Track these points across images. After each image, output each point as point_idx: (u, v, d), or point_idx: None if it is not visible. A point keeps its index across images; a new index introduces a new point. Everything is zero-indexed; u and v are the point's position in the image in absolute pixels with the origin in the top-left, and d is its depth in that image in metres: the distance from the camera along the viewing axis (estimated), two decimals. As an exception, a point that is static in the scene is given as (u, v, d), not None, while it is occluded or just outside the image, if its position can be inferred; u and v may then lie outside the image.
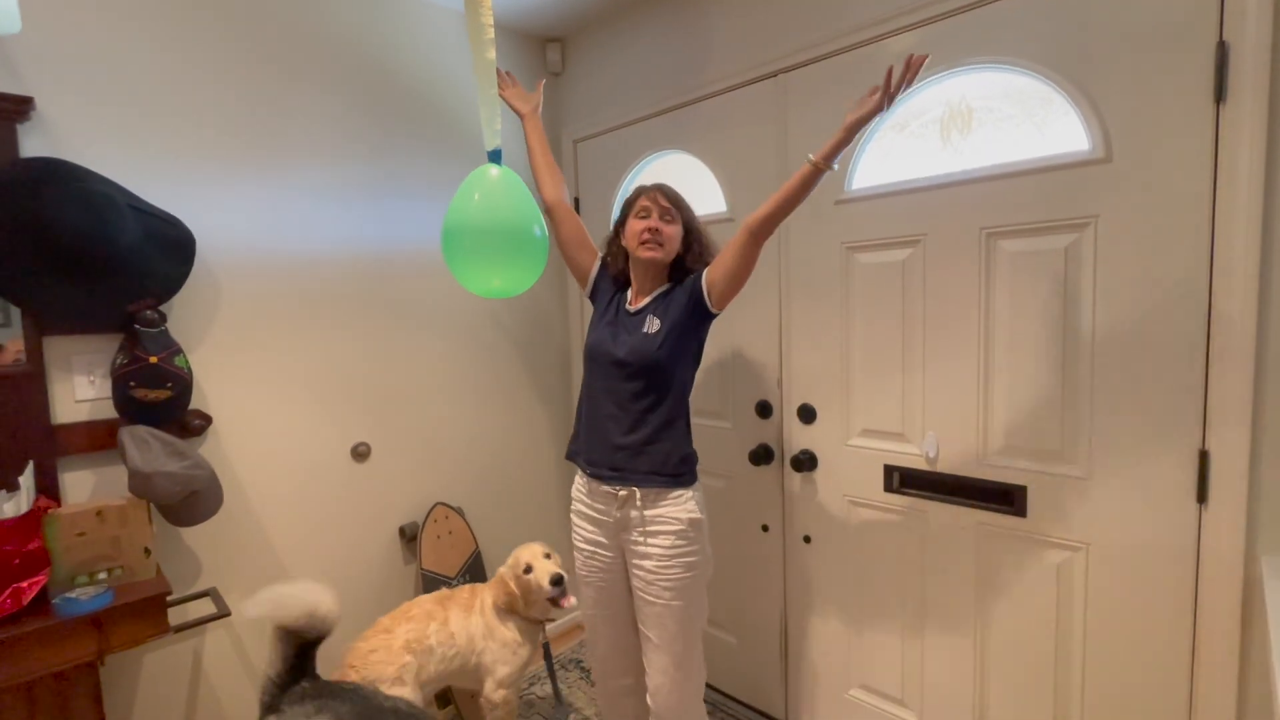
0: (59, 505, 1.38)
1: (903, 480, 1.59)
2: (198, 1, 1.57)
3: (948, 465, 1.50)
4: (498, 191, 1.09)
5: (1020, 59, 1.34)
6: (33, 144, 1.36)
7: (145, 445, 1.39)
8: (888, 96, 1.20)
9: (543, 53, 2.38)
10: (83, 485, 1.46)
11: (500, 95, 1.51)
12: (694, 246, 1.52)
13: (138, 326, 1.42)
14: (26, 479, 1.29)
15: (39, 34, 1.36)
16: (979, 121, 1.43)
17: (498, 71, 1.44)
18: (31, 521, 1.24)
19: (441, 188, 2.05)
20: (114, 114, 1.46)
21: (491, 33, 1.16)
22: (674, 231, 1.48)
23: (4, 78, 1.33)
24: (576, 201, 2.37)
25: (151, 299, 1.45)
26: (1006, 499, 1.42)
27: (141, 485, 1.35)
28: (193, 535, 1.61)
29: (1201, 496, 1.19)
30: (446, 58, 2.06)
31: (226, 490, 1.62)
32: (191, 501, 1.45)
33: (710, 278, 1.43)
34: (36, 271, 1.30)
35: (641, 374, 1.45)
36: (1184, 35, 1.15)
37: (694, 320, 1.46)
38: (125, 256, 1.37)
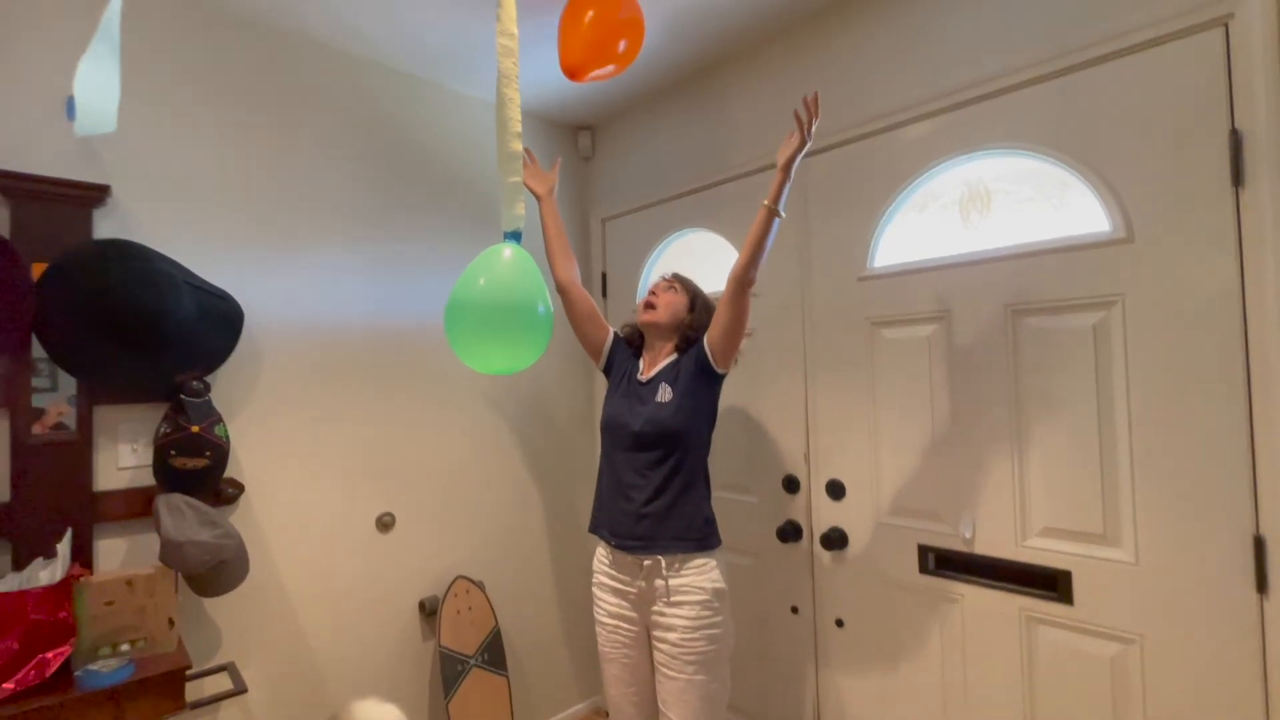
0: (91, 573, 1.39)
1: (939, 561, 1.54)
2: (253, 106, 1.72)
3: (986, 546, 1.45)
4: (504, 269, 1.12)
5: (1036, 145, 1.39)
6: (106, 226, 1.47)
7: (179, 513, 1.41)
8: (806, 133, 1.35)
9: (574, 139, 2.53)
10: (115, 553, 1.47)
11: None
12: (699, 316, 1.58)
13: (183, 396, 1.47)
14: (64, 546, 1.31)
15: (120, 128, 1.49)
16: (998, 203, 1.47)
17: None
18: (63, 590, 1.25)
19: (465, 264, 2.14)
20: (177, 200, 1.58)
21: (518, 127, 1.24)
22: (672, 298, 1.56)
23: (85, 167, 1.45)
24: (604, 277, 2.45)
25: (199, 370, 1.52)
26: (1050, 584, 1.36)
27: (173, 554, 1.36)
28: (215, 605, 1.60)
29: (1261, 585, 1.13)
30: (476, 142, 2.20)
31: (253, 559, 1.62)
32: (218, 571, 1.45)
33: (710, 338, 1.49)
34: (97, 344, 1.37)
35: (659, 442, 1.48)
36: (1197, 124, 1.19)
37: (703, 383, 1.51)
38: (181, 330, 1.44)
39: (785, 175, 1.36)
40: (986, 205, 1.49)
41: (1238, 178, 1.15)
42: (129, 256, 1.40)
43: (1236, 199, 1.15)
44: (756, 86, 1.93)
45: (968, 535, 1.47)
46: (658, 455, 1.47)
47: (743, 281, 1.40)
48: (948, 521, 1.52)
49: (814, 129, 1.36)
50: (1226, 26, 1.17)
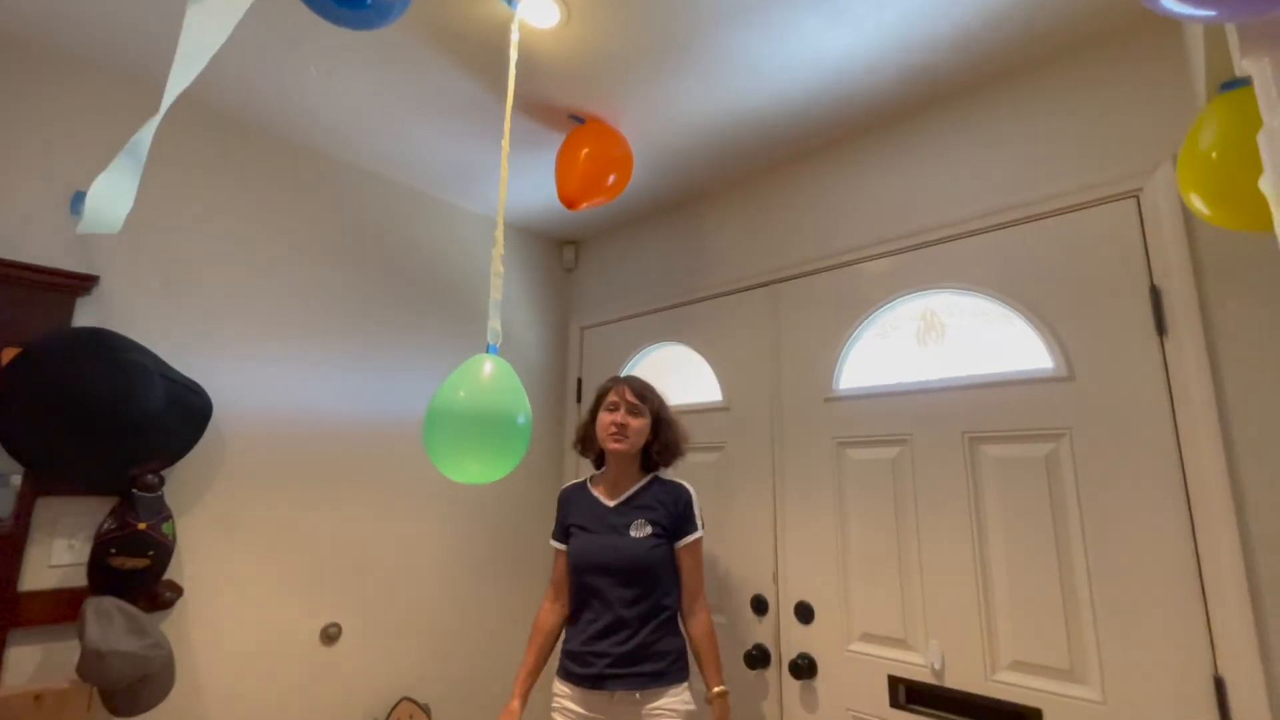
0: (-5, 685, 1.26)
1: (909, 695, 1.49)
2: (249, 206, 1.80)
3: (955, 679, 1.42)
4: (484, 380, 1.15)
5: (983, 287, 1.52)
6: (85, 315, 1.48)
7: (107, 619, 1.31)
8: None
9: (559, 252, 2.66)
10: (28, 661, 1.35)
11: None
12: (661, 435, 1.63)
13: (135, 491, 1.42)
14: (-28, 654, 1.20)
15: (120, 224, 1.55)
16: (951, 333, 1.58)
17: None
18: (-38, 705, 1.13)
19: (443, 369, 2.17)
20: (163, 292, 1.60)
21: (499, 250, 1.31)
22: (640, 425, 1.59)
23: (71, 256, 1.48)
24: (579, 383, 2.50)
25: (158, 463, 1.47)
26: (1022, 723, 1.32)
27: (92, 666, 1.25)
28: (129, 728, 1.45)
29: (1227, 730, 1.12)
30: (468, 252, 2.31)
31: (181, 673, 1.50)
32: (140, 686, 1.33)
33: (679, 549, 1.56)
34: (58, 432, 1.33)
35: (635, 580, 1.49)
36: (1121, 279, 1.33)
37: (672, 533, 1.56)
38: (148, 421, 1.41)
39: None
40: (941, 334, 1.60)
41: (1160, 328, 1.27)
42: (103, 345, 1.39)
43: (1162, 346, 1.27)
44: (731, 218, 2.10)
45: (936, 666, 1.44)
46: (635, 593, 1.48)
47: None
48: (917, 650, 1.49)
49: None
50: (1138, 199, 1.34)
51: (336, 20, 1.06)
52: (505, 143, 1.23)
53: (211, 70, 1.58)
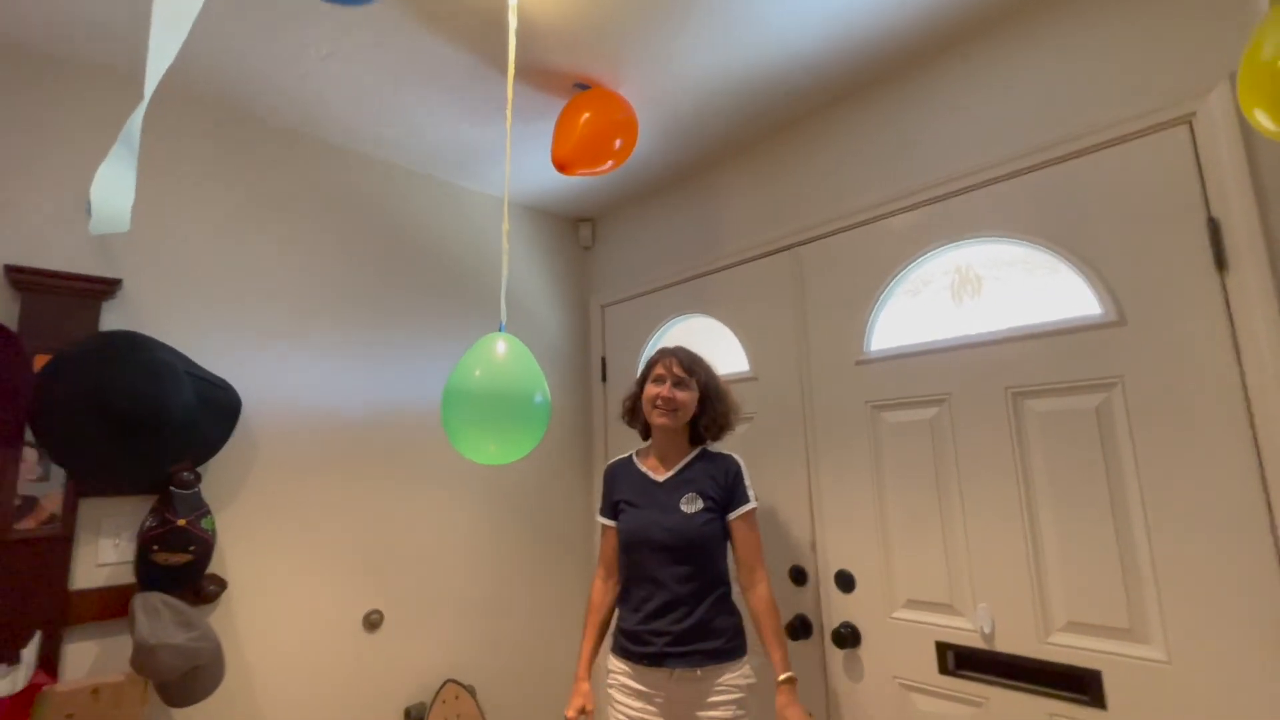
0: (55, 680, 1.31)
1: (959, 660, 1.44)
2: (263, 200, 1.80)
3: (1007, 643, 1.37)
4: (500, 359, 1.13)
5: (1022, 234, 1.43)
6: (113, 318, 1.49)
7: (155, 614, 1.35)
8: None
9: (575, 230, 2.62)
10: (84, 657, 1.39)
11: None
12: (709, 409, 1.57)
13: (173, 488, 1.44)
14: (29, 653, 1.24)
15: (135, 222, 1.55)
16: (988, 287, 1.50)
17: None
18: (24, 701, 1.17)
19: (464, 351, 2.16)
20: (185, 291, 1.61)
21: (506, 226, 1.26)
22: (687, 398, 1.54)
23: (98, 261, 1.49)
24: (604, 361, 2.47)
25: (192, 460, 1.49)
26: (1080, 686, 1.27)
27: (145, 659, 1.28)
28: (186, 715, 1.49)
29: (1307, 688, 1.05)
30: (482, 234, 2.28)
31: (230, 663, 1.53)
32: (192, 677, 1.37)
33: (732, 521, 1.51)
34: (93, 435, 1.36)
35: (688, 557, 1.46)
36: (1175, 213, 1.23)
37: (723, 506, 1.52)
38: (179, 420, 1.43)
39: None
40: (978, 289, 1.52)
41: (1221, 262, 1.17)
42: (132, 348, 1.41)
43: (1223, 282, 1.17)
44: (747, 182, 2.03)
45: (986, 630, 1.39)
46: (687, 570, 1.46)
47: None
48: (965, 615, 1.44)
49: None
50: (1191, 124, 1.23)
51: (326, -3, 1.03)
52: (509, 111, 1.19)
53: (216, 65, 1.57)
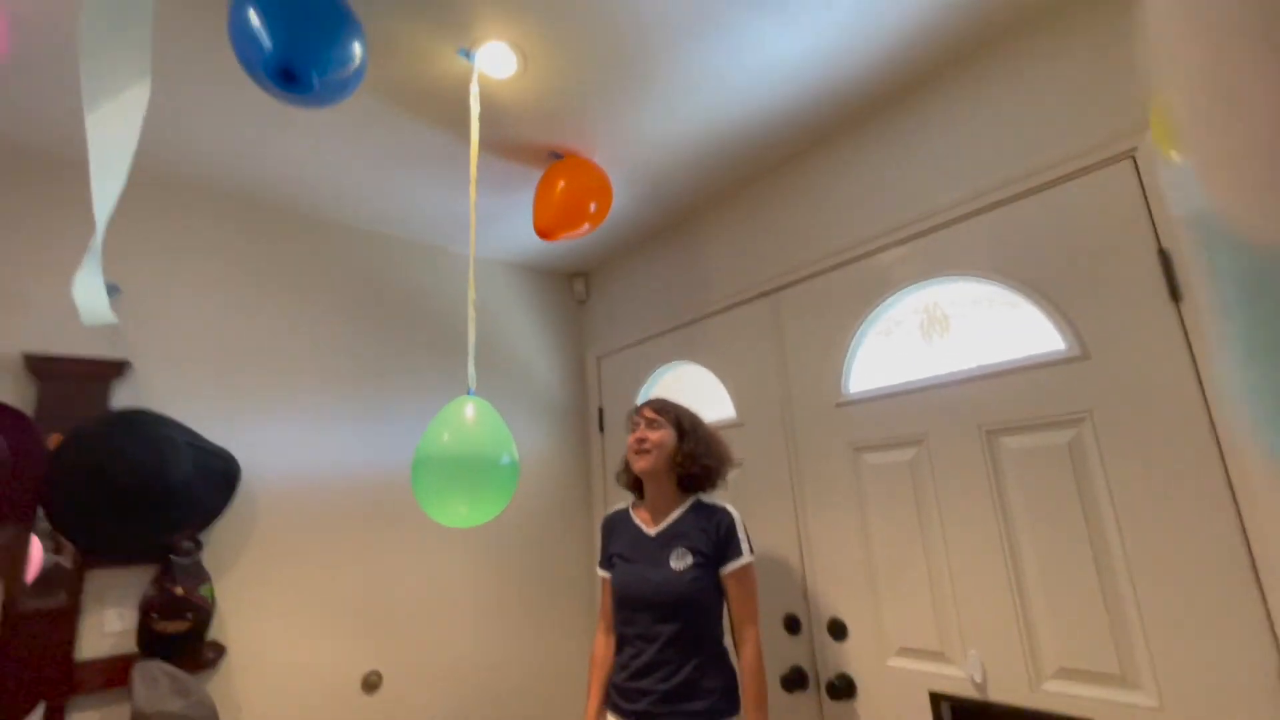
0: (59, 751, 1.35)
1: (954, 713, 1.39)
2: (251, 278, 1.92)
3: (1000, 692, 1.32)
4: (467, 423, 1.17)
5: (982, 271, 1.45)
6: (123, 395, 1.60)
7: (154, 683, 1.39)
8: None
9: (570, 285, 2.71)
10: (88, 727, 1.44)
11: None
12: (688, 446, 1.56)
13: (172, 557, 1.51)
14: (33, 723, 1.29)
15: (139, 303, 1.67)
16: (955, 325, 1.51)
17: None
18: (24, 772, 1.22)
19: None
20: (188, 366, 1.72)
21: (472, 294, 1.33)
22: (660, 436, 1.54)
23: (107, 344, 1.61)
24: (600, 412, 2.51)
25: (191, 529, 1.56)
26: (1076, 736, 1.21)
27: (140, 728, 1.33)
28: (185, 785, 1.52)
29: (1306, 734, 1.00)
30: (464, 294, 2.37)
31: (227, 730, 1.56)
32: (187, 745, 1.40)
33: (724, 577, 1.47)
34: (98, 509, 1.44)
35: (676, 614, 1.43)
36: (1128, 246, 1.24)
37: (716, 561, 1.48)
38: (176, 491, 1.51)
39: None
40: (945, 326, 1.53)
41: (1175, 293, 1.17)
42: (133, 424, 1.50)
43: (1179, 312, 1.17)
44: (726, 232, 2.09)
45: (977, 678, 1.35)
46: (675, 629, 1.42)
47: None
48: (956, 662, 1.40)
49: None
50: (1134, 159, 1.25)
51: (295, 103, 1.13)
52: (472, 190, 1.27)
53: (208, 150, 1.71)
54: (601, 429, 2.49)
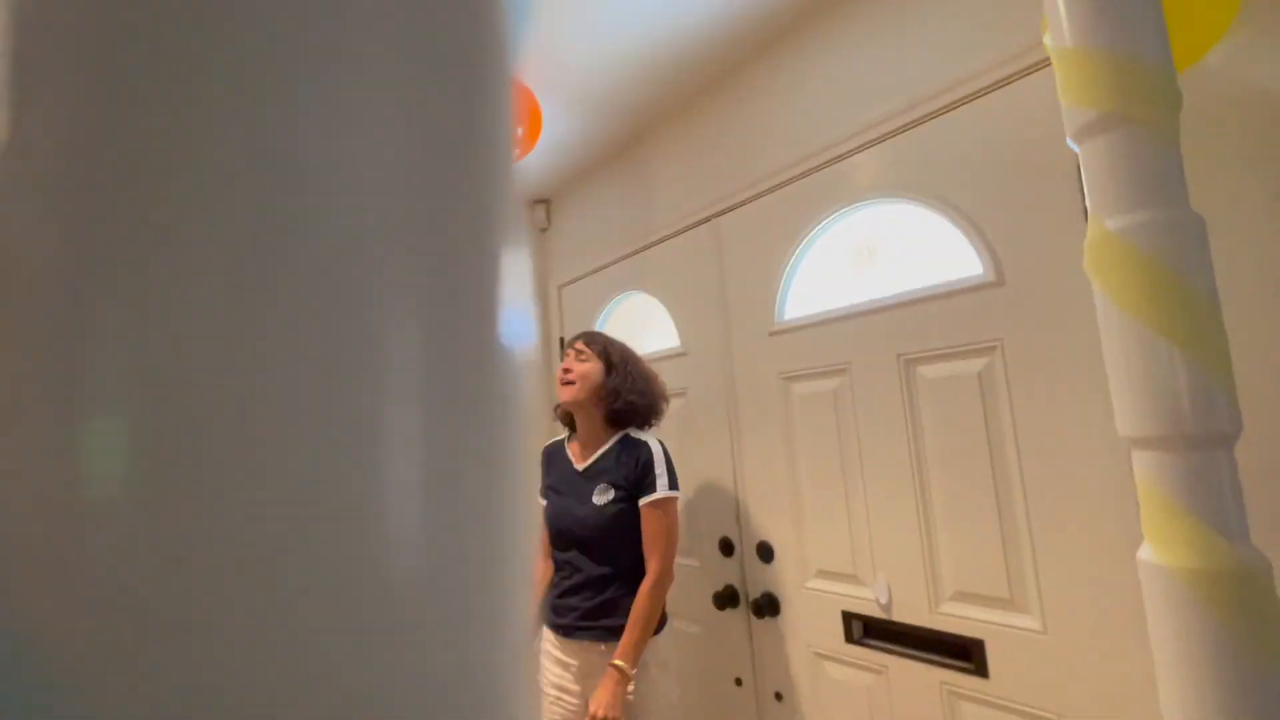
0: None
1: (865, 630, 1.44)
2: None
3: (903, 613, 1.36)
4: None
5: (911, 193, 1.36)
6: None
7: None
8: None
9: (530, 212, 2.64)
10: None
11: None
12: (613, 378, 1.56)
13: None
14: None
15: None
16: (883, 252, 1.44)
17: None
18: None
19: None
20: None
21: None
22: (586, 368, 1.54)
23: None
24: (561, 341, 2.51)
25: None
26: (966, 655, 1.25)
27: None
28: None
29: (1171, 658, 1.01)
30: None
31: None
32: None
33: (641, 508, 1.49)
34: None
35: (600, 546, 1.49)
36: (1045, 161, 1.14)
37: (633, 495, 1.51)
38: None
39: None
40: (873, 253, 1.46)
41: (1088, 213, 1.09)
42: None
43: (1095, 235, 1.09)
44: (671, 152, 1.99)
45: (883, 600, 1.38)
46: (600, 558, 1.49)
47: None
48: (867, 585, 1.43)
49: None
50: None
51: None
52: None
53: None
54: (563, 359, 2.50)
